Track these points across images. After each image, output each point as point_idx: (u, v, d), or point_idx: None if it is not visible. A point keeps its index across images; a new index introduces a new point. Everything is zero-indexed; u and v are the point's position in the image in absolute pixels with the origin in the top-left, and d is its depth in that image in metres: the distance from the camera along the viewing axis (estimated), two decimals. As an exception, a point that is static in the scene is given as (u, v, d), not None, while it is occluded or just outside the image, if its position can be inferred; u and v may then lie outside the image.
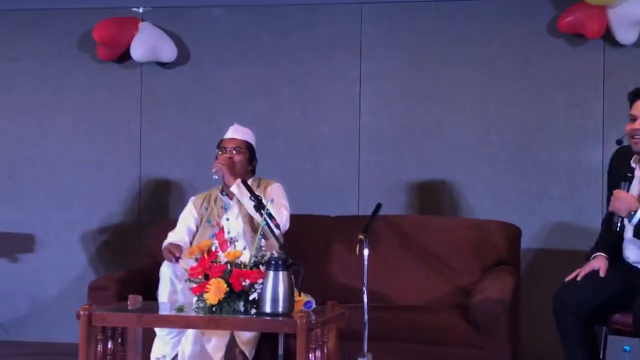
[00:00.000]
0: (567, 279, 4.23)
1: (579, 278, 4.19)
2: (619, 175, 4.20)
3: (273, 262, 3.86)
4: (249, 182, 4.81)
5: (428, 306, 4.95)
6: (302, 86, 6.02)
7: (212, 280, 3.92)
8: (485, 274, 5.03)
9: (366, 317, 4.14)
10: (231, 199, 4.82)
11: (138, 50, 5.97)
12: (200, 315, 3.91)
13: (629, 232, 4.16)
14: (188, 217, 4.91)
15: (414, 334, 4.64)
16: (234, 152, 4.83)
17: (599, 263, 4.21)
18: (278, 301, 3.83)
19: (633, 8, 5.49)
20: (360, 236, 4.19)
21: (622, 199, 4.09)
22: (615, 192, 4.12)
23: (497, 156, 5.80)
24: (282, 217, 4.66)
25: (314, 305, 4.03)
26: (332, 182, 5.97)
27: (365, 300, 4.14)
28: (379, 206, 4.46)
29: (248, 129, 4.96)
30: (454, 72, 5.86)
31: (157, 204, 6.10)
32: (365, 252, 4.18)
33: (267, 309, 3.83)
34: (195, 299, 4.00)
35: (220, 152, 4.85)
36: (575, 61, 5.71)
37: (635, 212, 4.05)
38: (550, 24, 5.71)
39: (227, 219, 4.41)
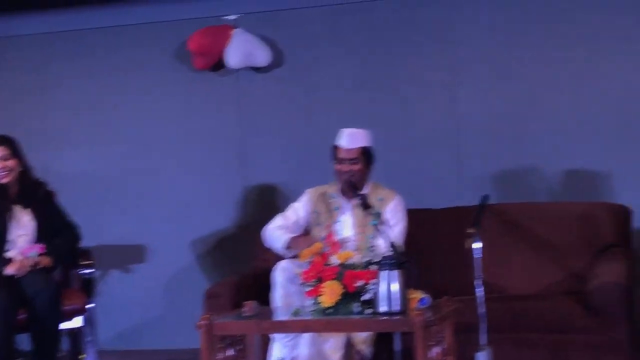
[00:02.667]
0: None
1: None
2: None
3: (385, 261, 3.88)
4: (368, 187, 4.81)
5: (541, 294, 4.91)
6: (398, 79, 6.01)
7: (326, 283, 3.96)
8: (598, 257, 4.95)
9: (483, 310, 4.12)
10: (347, 199, 4.84)
11: (233, 57, 6.04)
12: (317, 318, 3.95)
13: None
14: (298, 210, 4.91)
15: (530, 324, 4.60)
16: (351, 163, 4.79)
17: None
18: (393, 300, 3.84)
19: None
20: (470, 230, 4.17)
21: None
22: None
23: (599, 135, 5.69)
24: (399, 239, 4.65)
25: (428, 302, 4.04)
26: (434, 174, 5.94)
27: (481, 293, 4.13)
28: (486, 198, 4.43)
29: (363, 130, 4.89)
30: (550, 53, 5.77)
31: (262, 207, 6.17)
32: (476, 245, 4.16)
33: (383, 308, 3.85)
34: (310, 302, 4.05)
35: (337, 164, 4.82)
36: None
37: None
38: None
39: (338, 221, 4.44)
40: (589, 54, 5.71)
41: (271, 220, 4.94)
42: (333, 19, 6.09)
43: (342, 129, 4.93)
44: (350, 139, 4.83)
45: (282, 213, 4.97)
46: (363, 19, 6.04)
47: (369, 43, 6.04)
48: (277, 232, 4.81)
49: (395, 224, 4.72)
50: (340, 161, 4.80)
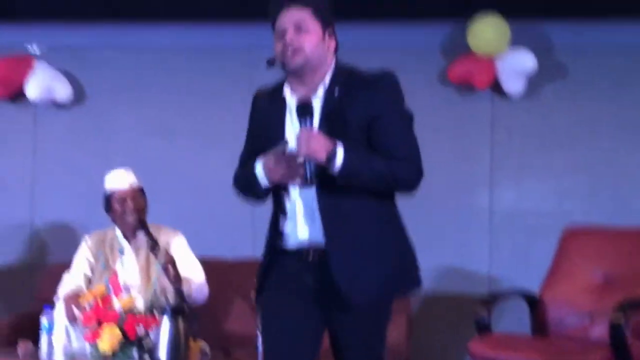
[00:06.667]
0: None
1: None
2: (277, 114, 3.25)
3: (168, 309, 3.87)
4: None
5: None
6: (199, 126, 6.04)
7: (106, 328, 3.90)
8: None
9: (261, 363, 4.15)
10: (130, 242, 4.81)
11: (33, 90, 5.91)
12: (94, 364, 3.88)
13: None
14: (82, 261, 4.83)
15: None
16: (135, 198, 4.76)
17: None
18: (173, 349, 3.83)
19: (519, 60, 5.69)
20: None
21: (317, 139, 3.08)
22: (303, 130, 3.11)
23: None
24: (201, 280, 4.68)
25: (209, 353, 4.06)
26: (227, 222, 5.98)
27: (260, 346, 4.16)
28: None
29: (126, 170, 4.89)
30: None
31: (50, 246, 6.01)
32: (260, 297, 4.19)
33: (162, 357, 3.83)
34: (88, 346, 3.97)
35: (120, 204, 4.75)
36: (465, 111, 5.88)
37: (335, 152, 3.08)
38: (441, 73, 5.86)
39: (122, 264, 4.38)
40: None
41: (60, 284, 4.78)
42: (136, 63, 6.08)
43: (107, 174, 4.88)
44: (126, 177, 4.81)
45: (68, 271, 4.83)
46: (166, 64, 6.05)
47: (172, 88, 6.05)
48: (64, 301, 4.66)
49: (190, 262, 4.73)
50: (123, 201, 4.75)
